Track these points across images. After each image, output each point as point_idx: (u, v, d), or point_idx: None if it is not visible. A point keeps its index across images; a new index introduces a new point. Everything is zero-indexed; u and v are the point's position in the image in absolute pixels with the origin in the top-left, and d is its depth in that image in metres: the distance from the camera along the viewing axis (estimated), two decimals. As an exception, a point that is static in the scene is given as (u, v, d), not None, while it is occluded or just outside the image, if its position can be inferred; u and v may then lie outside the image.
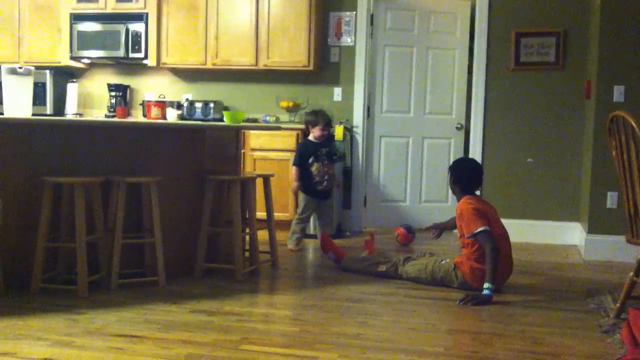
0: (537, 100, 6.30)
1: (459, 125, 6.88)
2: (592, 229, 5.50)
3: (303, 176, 5.70)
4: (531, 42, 6.29)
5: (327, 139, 5.85)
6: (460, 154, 6.85)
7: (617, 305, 3.69)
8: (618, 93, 5.42)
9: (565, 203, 6.24)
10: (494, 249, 4.03)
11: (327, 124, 5.80)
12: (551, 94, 6.27)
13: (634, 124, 3.37)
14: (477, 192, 4.56)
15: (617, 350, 3.10)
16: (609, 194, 5.45)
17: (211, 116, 6.71)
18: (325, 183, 5.74)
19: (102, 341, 3.14)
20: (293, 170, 5.74)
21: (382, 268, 4.60)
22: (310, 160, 5.70)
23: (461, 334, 3.43)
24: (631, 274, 3.64)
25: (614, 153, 3.64)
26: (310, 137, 5.81)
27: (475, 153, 6.40)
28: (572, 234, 6.14)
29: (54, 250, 4.15)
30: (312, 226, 6.19)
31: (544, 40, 6.27)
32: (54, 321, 3.43)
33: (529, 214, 6.28)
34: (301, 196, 5.83)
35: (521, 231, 6.02)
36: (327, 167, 5.75)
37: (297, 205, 6.11)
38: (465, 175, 4.46)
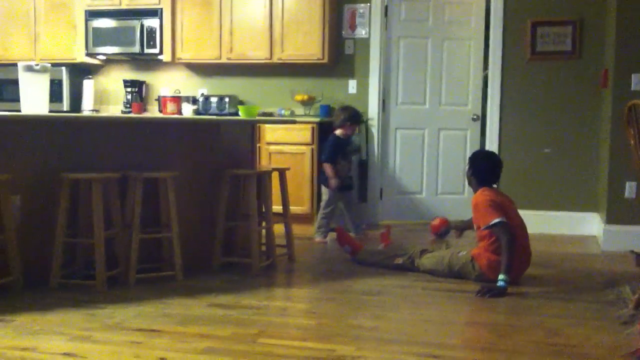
0: (553, 90, 6.25)
1: (474, 117, 6.84)
2: (610, 220, 5.46)
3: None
4: (547, 32, 6.24)
5: (351, 139, 6.05)
6: (477, 146, 6.82)
7: (636, 296, 3.66)
8: (636, 81, 5.37)
9: (583, 193, 6.19)
10: (510, 240, 4.01)
11: (357, 121, 5.95)
12: (568, 83, 6.22)
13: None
14: (495, 186, 4.52)
15: (636, 342, 3.08)
16: (627, 183, 5.40)
17: (226, 110, 6.72)
18: (348, 180, 5.98)
19: (120, 335, 3.17)
20: (327, 168, 5.75)
21: (399, 261, 4.59)
22: (339, 157, 5.82)
23: (478, 326, 3.42)
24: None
25: (632, 142, 3.60)
26: (338, 133, 5.87)
27: (492, 144, 6.37)
28: (590, 225, 6.09)
29: (72, 246, 4.18)
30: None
31: (560, 29, 6.21)
32: (73, 316, 3.46)
33: (547, 204, 6.24)
34: (324, 189, 5.86)
35: (539, 222, 5.98)
36: (350, 164, 6.03)
37: (315, 199, 6.14)
38: (483, 168, 4.44)
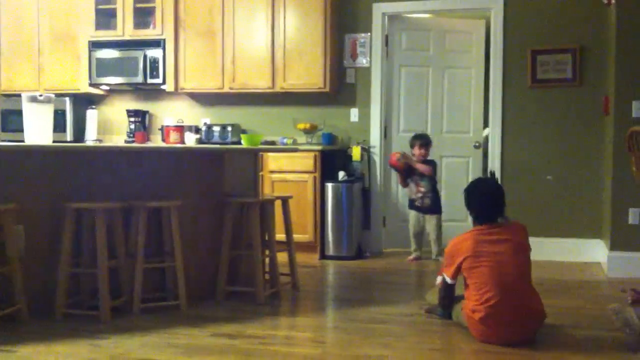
0: (555, 117, 6.28)
1: (476, 144, 6.87)
2: (614, 246, 5.45)
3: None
4: (547, 59, 6.29)
5: (425, 161, 6.26)
6: (479, 173, 6.84)
7: (643, 322, 3.65)
8: (637, 108, 5.39)
9: (586, 220, 6.18)
10: (444, 298, 3.89)
11: (423, 144, 6.25)
12: (569, 110, 6.25)
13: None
14: (500, 219, 3.77)
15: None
16: (630, 210, 5.40)
17: (229, 139, 6.75)
18: (418, 201, 6.29)
19: (125, 366, 3.15)
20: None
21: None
22: (409, 181, 6.31)
23: (485, 354, 3.39)
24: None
25: (634, 168, 3.61)
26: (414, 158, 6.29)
27: (494, 171, 6.38)
28: (594, 251, 6.07)
29: (76, 276, 4.17)
30: (331, 247, 6.20)
31: (560, 57, 6.25)
32: (78, 346, 3.44)
33: (550, 231, 6.23)
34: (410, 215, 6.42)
35: (543, 249, 5.97)
36: (419, 186, 6.26)
37: (319, 227, 6.25)
38: (474, 200, 3.82)
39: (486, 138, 6.76)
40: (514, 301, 3.47)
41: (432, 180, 6.27)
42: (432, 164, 6.27)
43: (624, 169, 5.29)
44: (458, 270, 3.66)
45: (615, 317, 4.00)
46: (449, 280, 3.75)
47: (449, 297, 3.86)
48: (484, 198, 3.77)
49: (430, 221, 6.26)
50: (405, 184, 6.36)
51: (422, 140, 6.28)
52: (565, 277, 5.40)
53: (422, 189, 6.23)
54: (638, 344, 3.42)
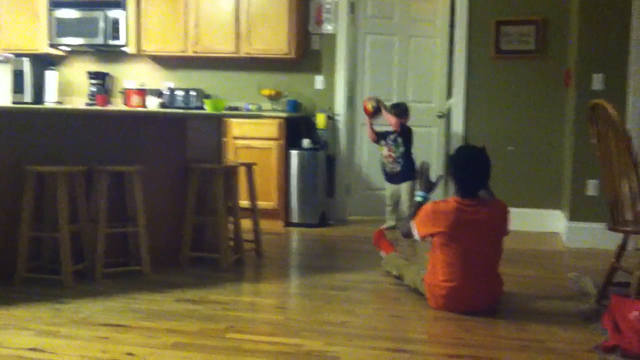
0: (517, 89, 6.34)
1: (440, 114, 6.91)
2: (573, 217, 5.56)
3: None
4: (511, 31, 6.32)
5: (402, 129, 6.11)
6: (442, 143, 6.90)
7: (598, 291, 3.75)
8: (597, 81, 5.47)
9: (546, 191, 6.29)
10: (403, 233, 3.90)
11: (397, 114, 6.08)
12: (532, 82, 6.31)
13: (612, 113, 3.40)
14: (483, 192, 3.74)
15: (600, 337, 3.15)
16: (589, 181, 5.50)
17: (193, 104, 6.67)
18: (388, 166, 6.18)
19: (88, 330, 3.14)
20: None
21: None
22: (382, 142, 6.17)
23: (446, 321, 3.45)
24: (612, 260, 3.70)
25: (594, 141, 3.68)
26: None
27: (457, 141, 6.44)
28: (554, 222, 6.19)
29: (37, 240, 4.12)
30: (295, 214, 6.22)
31: (523, 28, 6.29)
32: (39, 311, 3.41)
33: (511, 201, 6.18)
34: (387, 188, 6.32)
35: (502, 218, 6.06)
36: (390, 150, 6.12)
37: (283, 194, 6.16)
38: (458, 170, 3.66)
39: (450, 108, 6.80)
40: (476, 287, 3.53)
41: (406, 145, 6.12)
42: (406, 129, 6.12)
43: (584, 141, 5.38)
44: (429, 236, 3.65)
45: (573, 286, 4.10)
46: (417, 236, 3.72)
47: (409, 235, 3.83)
48: (469, 169, 3.63)
49: (404, 189, 6.11)
50: (375, 138, 6.21)
51: (397, 110, 6.15)
52: (525, 246, 5.51)
53: (393, 154, 6.12)
54: (593, 313, 3.52)
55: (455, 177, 3.66)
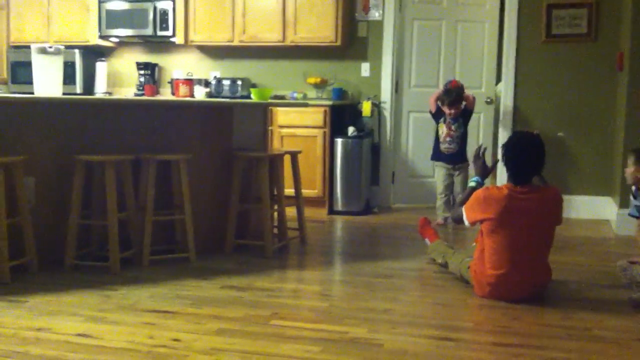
0: (568, 73, 6.20)
1: (488, 99, 6.80)
2: (623, 204, 5.41)
3: (435, 140, 6.00)
4: (563, 14, 6.18)
5: (463, 111, 5.87)
6: (490, 129, 6.80)
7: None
8: (652, 65, 5.32)
9: (597, 177, 6.15)
10: (457, 209, 3.83)
11: (452, 102, 5.77)
12: (583, 66, 6.16)
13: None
14: (535, 180, 3.68)
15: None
16: (642, 167, 5.35)
17: (239, 93, 6.71)
18: (445, 145, 5.88)
19: (134, 317, 3.19)
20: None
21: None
22: (441, 120, 5.88)
23: (491, 309, 3.41)
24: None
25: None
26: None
27: (506, 127, 6.34)
28: (604, 209, 6.05)
29: (86, 228, 4.21)
30: (339, 202, 6.21)
31: (575, 11, 6.15)
32: (87, 297, 3.49)
33: (561, 188, 6.13)
34: (436, 169, 6.05)
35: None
36: (451, 129, 5.84)
37: (327, 182, 6.16)
38: (513, 157, 3.58)
39: (499, 94, 6.68)
40: (523, 276, 3.47)
41: (466, 126, 5.92)
42: (468, 111, 5.92)
43: (636, 126, 5.25)
44: (478, 222, 3.62)
45: (622, 274, 4.00)
46: (467, 223, 3.70)
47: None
48: (522, 156, 3.56)
49: (458, 181, 5.89)
50: (435, 108, 5.92)
51: (451, 98, 5.78)
52: (574, 234, 5.40)
53: (453, 133, 5.84)
54: (643, 301, 3.43)
55: (508, 164, 3.59)
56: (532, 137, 3.66)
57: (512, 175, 3.58)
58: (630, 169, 4.23)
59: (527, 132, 3.83)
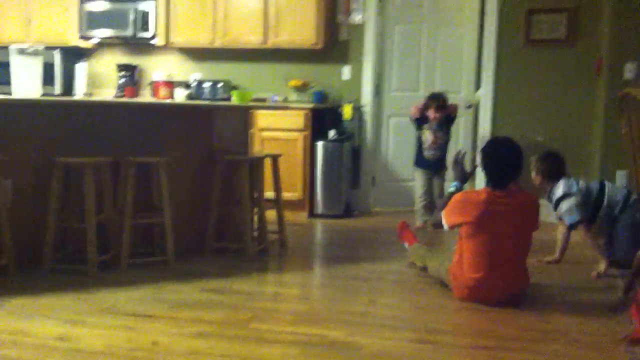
0: (547, 78, 6.25)
1: (468, 104, 6.84)
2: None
3: (418, 146, 5.98)
4: (542, 19, 6.23)
5: (446, 118, 5.88)
6: (470, 134, 6.83)
7: (625, 282, 3.68)
8: (629, 70, 5.39)
9: (575, 181, 6.19)
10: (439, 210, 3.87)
11: (439, 107, 5.80)
12: (562, 71, 6.21)
13: (644, 102, 3.35)
14: (513, 184, 3.68)
15: (625, 328, 3.10)
16: (617, 172, 5.42)
17: (219, 96, 6.70)
18: (430, 152, 5.89)
19: (113, 320, 3.17)
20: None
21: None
22: (424, 127, 5.88)
23: (470, 312, 3.43)
24: (639, 252, 3.64)
25: (624, 131, 3.62)
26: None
27: (485, 131, 6.37)
28: (581, 213, 6.09)
29: (64, 230, 4.17)
30: (320, 205, 6.21)
31: (555, 16, 6.20)
32: (65, 300, 3.46)
33: (539, 192, 6.23)
34: (415, 173, 6.02)
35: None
36: (437, 136, 5.84)
37: (308, 186, 6.16)
38: (490, 162, 3.64)
39: (478, 99, 6.72)
40: (501, 280, 3.48)
41: (449, 124, 5.94)
42: (452, 117, 5.94)
43: (614, 130, 5.30)
44: (457, 226, 3.64)
45: (601, 278, 4.04)
46: (445, 227, 3.73)
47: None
48: (500, 161, 3.60)
49: (436, 185, 5.92)
50: (417, 115, 5.90)
51: (439, 102, 5.82)
52: (551, 237, 5.41)
53: (440, 140, 5.87)
54: (620, 305, 3.46)
55: (487, 169, 3.63)
56: (510, 142, 3.69)
57: (491, 180, 3.61)
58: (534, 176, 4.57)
59: (505, 137, 3.86)
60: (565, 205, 4.32)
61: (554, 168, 4.47)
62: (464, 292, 3.55)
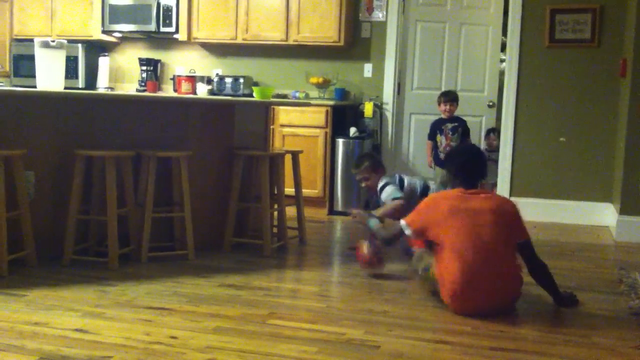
0: (571, 79, 6.19)
1: (490, 103, 6.80)
2: (624, 210, 5.41)
3: (434, 150, 6.02)
4: (566, 19, 6.17)
5: (457, 116, 5.94)
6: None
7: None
8: (655, 72, 5.31)
9: (597, 183, 6.14)
10: (386, 239, 3.83)
11: (448, 100, 5.86)
12: (586, 72, 6.15)
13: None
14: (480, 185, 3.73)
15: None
16: (642, 174, 5.36)
17: (241, 91, 6.71)
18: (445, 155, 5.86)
19: (132, 313, 3.18)
20: (428, 144, 6.10)
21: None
22: (438, 135, 5.92)
23: (489, 313, 3.39)
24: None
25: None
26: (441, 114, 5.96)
27: (507, 131, 6.33)
28: (603, 215, 6.05)
29: (85, 223, 4.20)
30: (340, 202, 6.20)
31: (579, 16, 6.14)
32: (85, 292, 3.48)
33: (561, 193, 6.20)
34: (437, 170, 6.00)
35: (552, 211, 5.95)
36: (449, 139, 5.87)
37: (328, 183, 6.15)
38: (453, 162, 3.70)
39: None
40: (481, 286, 3.28)
41: (464, 136, 5.90)
42: (462, 122, 5.93)
43: (637, 132, 5.24)
44: (420, 232, 3.50)
45: (622, 282, 4.00)
46: (407, 230, 3.54)
47: (396, 240, 3.83)
48: (468, 162, 3.59)
49: None
50: (431, 134, 6.01)
51: (448, 97, 5.92)
52: (573, 239, 5.39)
53: (453, 143, 5.84)
54: (641, 309, 3.42)
55: (456, 174, 3.58)
56: (474, 147, 4.00)
57: (463, 182, 3.51)
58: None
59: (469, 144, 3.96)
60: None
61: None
62: (448, 301, 3.39)
